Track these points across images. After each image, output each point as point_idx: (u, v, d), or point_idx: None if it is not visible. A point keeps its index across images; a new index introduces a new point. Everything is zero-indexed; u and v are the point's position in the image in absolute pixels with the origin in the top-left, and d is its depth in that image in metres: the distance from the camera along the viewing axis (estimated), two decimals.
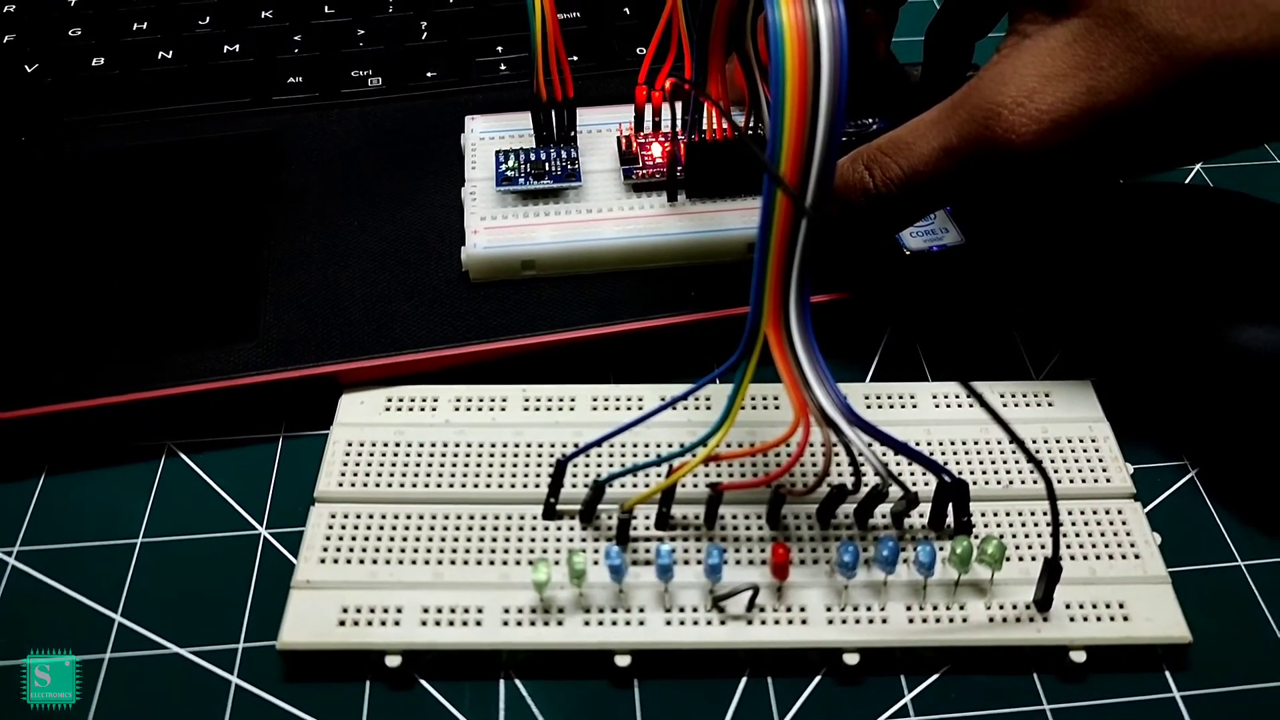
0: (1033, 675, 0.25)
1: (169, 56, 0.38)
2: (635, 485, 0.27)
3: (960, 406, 0.29)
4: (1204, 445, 0.30)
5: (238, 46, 0.38)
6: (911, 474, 0.27)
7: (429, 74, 0.38)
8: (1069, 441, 0.28)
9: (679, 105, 0.32)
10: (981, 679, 0.25)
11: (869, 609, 0.25)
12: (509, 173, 0.32)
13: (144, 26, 0.39)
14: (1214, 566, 0.27)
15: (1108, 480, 0.27)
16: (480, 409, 0.29)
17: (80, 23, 0.39)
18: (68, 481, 0.29)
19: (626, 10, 0.40)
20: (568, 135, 0.33)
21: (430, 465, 0.28)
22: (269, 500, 0.29)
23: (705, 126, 0.31)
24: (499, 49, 0.39)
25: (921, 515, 0.26)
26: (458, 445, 0.28)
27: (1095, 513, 0.27)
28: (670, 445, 0.28)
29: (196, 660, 0.26)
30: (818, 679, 0.25)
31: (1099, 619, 0.25)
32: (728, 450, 0.27)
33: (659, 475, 0.27)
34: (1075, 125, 0.24)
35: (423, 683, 0.25)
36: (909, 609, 0.25)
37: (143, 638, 0.26)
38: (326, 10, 0.40)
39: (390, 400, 0.29)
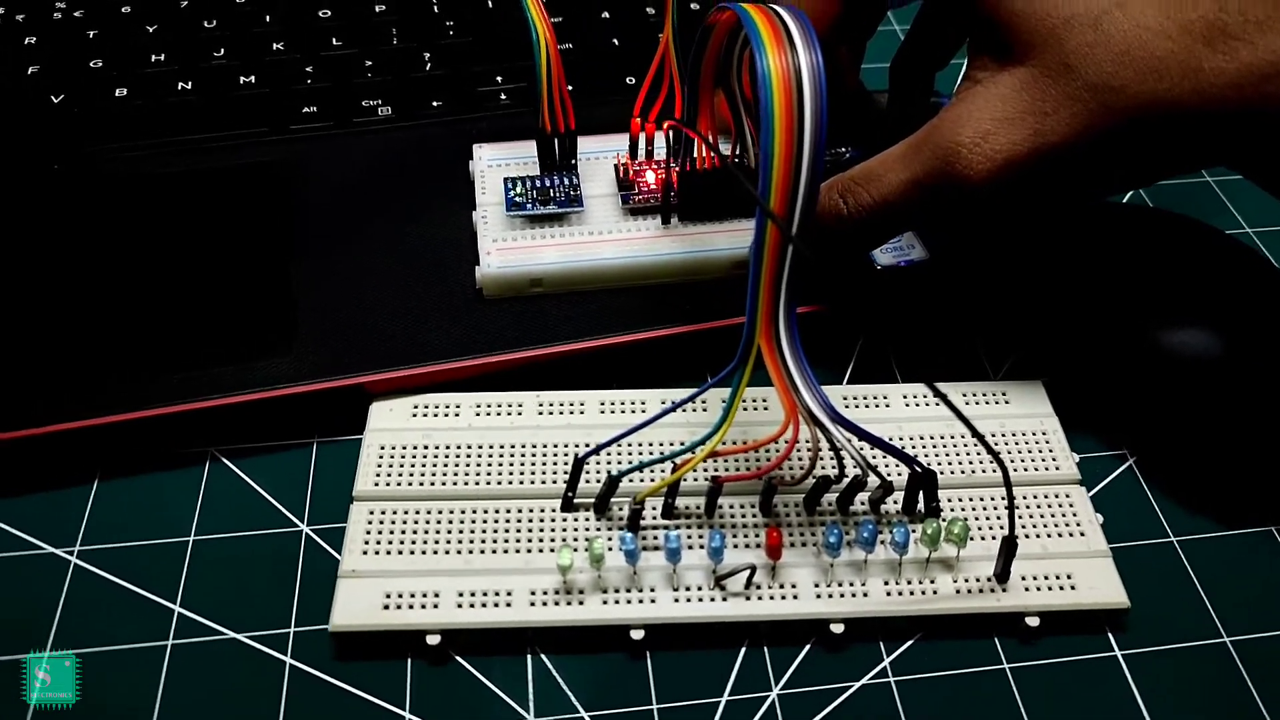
0: (994, 639, 0.28)
1: (188, 87, 0.41)
2: (644, 479, 0.30)
3: (928, 405, 0.32)
4: (1141, 436, 0.33)
5: (253, 78, 0.41)
6: (886, 465, 0.30)
7: (435, 103, 0.40)
8: (1023, 435, 0.32)
9: (671, 135, 0.35)
10: (950, 643, 0.28)
11: (851, 584, 0.28)
12: (517, 198, 0.35)
13: (162, 58, 0.42)
14: (1149, 542, 0.31)
15: (1057, 468, 0.31)
16: (499, 413, 0.32)
17: (101, 54, 0.42)
18: (120, 486, 0.31)
19: (615, 41, 0.43)
20: (569, 163, 0.36)
21: (457, 465, 0.30)
22: (308, 499, 0.31)
23: (695, 155, 0.34)
24: (499, 79, 0.41)
25: (896, 501, 0.30)
26: (480, 446, 0.31)
27: (1046, 497, 0.30)
28: (674, 444, 0.31)
29: (252, 644, 0.28)
30: (808, 647, 0.28)
31: (1050, 589, 0.28)
32: (726, 447, 0.30)
33: (664, 471, 0.30)
34: (1024, 163, 0.28)
35: (458, 659, 0.28)
36: (886, 583, 0.28)
37: (201, 625, 0.28)
38: (334, 42, 0.42)
39: (417, 407, 0.32)
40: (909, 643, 0.28)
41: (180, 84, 0.41)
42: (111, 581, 0.29)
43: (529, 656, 0.28)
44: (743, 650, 0.28)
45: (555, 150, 0.35)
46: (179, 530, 0.30)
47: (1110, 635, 0.29)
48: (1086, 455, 0.32)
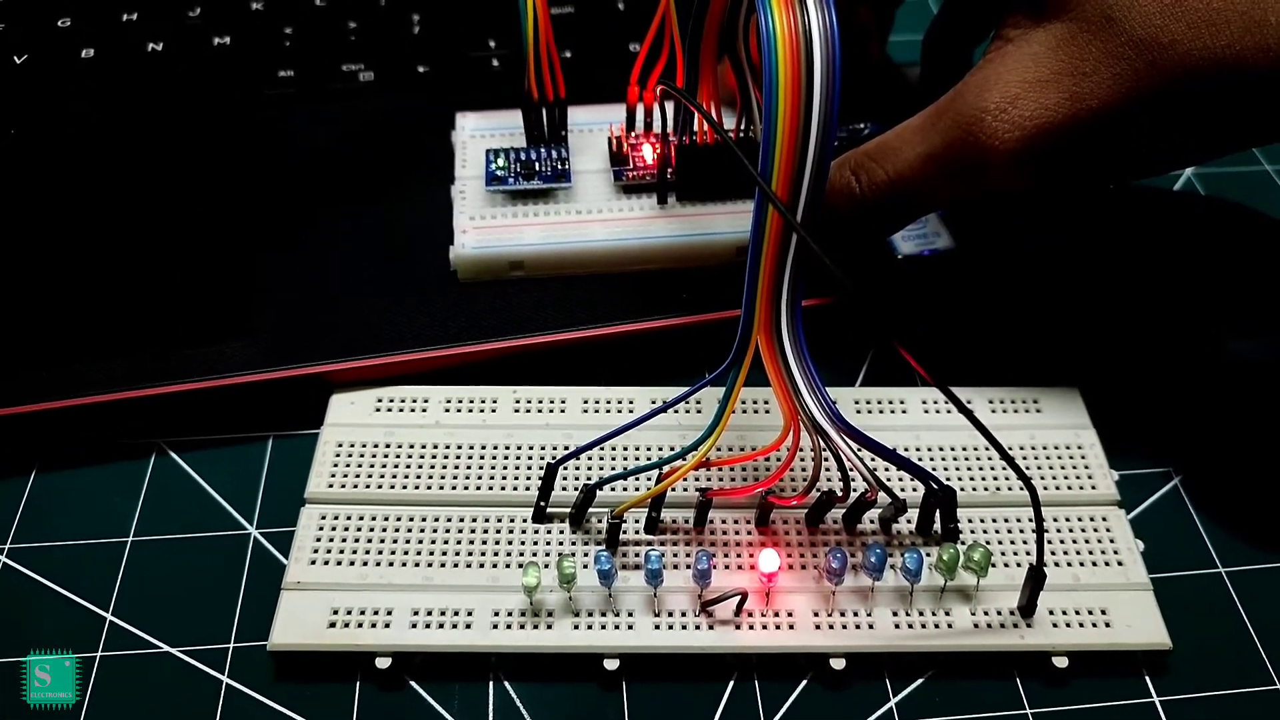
0: (1016, 680, 0.25)
1: (159, 48, 0.38)
2: (625, 489, 0.27)
3: (949, 412, 0.29)
4: (1189, 452, 0.30)
5: (228, 38, 0.38)
6: (900, 480, 0.27)
7: (420, 69, 0.37)
8: (1055, 448, 0.28)
9: (670, 106, 0.32)
10: (966, 684, 0.25)
11: (855, 614, 0.25)
12: (498, 172, 0.32)
13: (134, 18, 0.39)
14: (1194, 573, 0.28)
15: (1093, 487, 0.28)
16: (471, 410, 0.29)
17: (70, 13, 0.39)
18: (58, 480, 0.29)
19: (620, 6, 0.40)
20: (559, 135, 0.33)
21: (420, 467, 0.28)
22: (259, 500, 0.29)
23: (696, 128, 0.31)
24: (491, 44, 0.38)
25: (909, 521, 0.27)
26: (448, 447, 0.28)
27: (1080, 519, 0.27)
28: (660, 449, 0.28)
29: (187, 659, 0.26)
30: (803, 683, 0.25)
31: (1081, 625, 0.25)
32: (718, 457, 0.27)
33: (649, 480, 0.27)
34: (1058, 131, 0.24)
35: (413, 684, 0.25)
36: (895, 614, 0.25)
37: (134, 636, 0.26)
38: (317, 2, 0.40)
39: (381, 401, 0.29)
40: (919, 681, 0.25)
41: (151, 44, 0.38)
42: (42, 584, 0.27)
43: (490, 684, 0.25)
44: (730, 685, 0.25)
45: (544, 120, 0.32)
46: (118, 530, 0.28)
47: (1148, 679, 0.26)
48: (1126, 472, 0.29)
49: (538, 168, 0.32)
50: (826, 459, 0.25)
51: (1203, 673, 0.26)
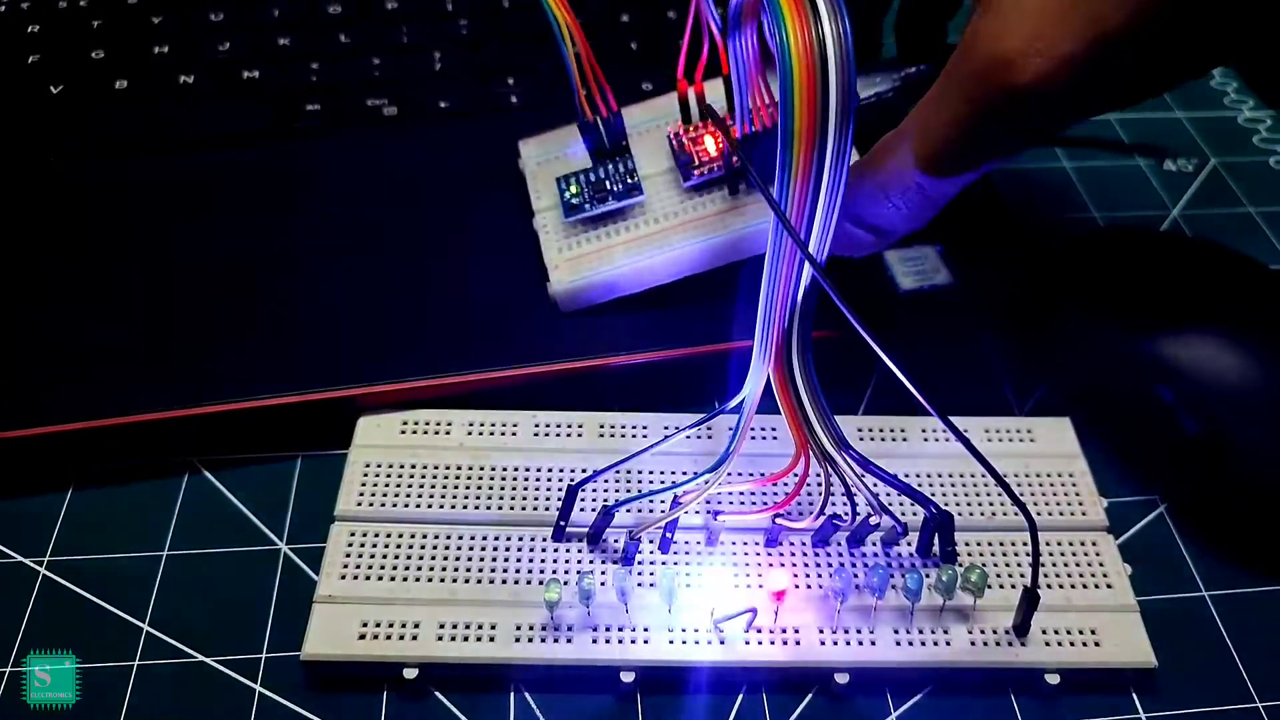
0: (1009, 695, 0.27)
1: (189, 80, 0.39)
2: (641, 511, 0.28)
3: (947, 441, 0.30)
4: (1172, 482, 0.31)
5: (257, 72, 0.39)
6: (900, 506, 0.28)
7: (442, 104, 0.39)
8: (1048, 476, 0.30)
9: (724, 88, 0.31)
10: (962, 699, 0.27)
11: (859, 631, 0.26)
12: (573, 200, 0.32)
13: (165, 50, 0.40)
14: (1179, 596, 0.29)
15: (1083, 514, 0.29)
16: (492, 433, 0.30)
17: (103, 45, 0.40)
18: (95, 495, 0.30)
19: (625, 18, 0.42)
20: (620, 146, 0.32)
21: (445, 487, 0.29)
22: (289, 516, 0.30)
23: (753, 106, 0.29)
24: (510, 80, 0.40)
25: (909, 544, 0.28)
26: (470, 468, 0.29)
27: (1071, 544, 0.28)
28: (673, 473, 0.29)
29: (221, 669, 0.27)
30: (809, 697, 0.26)
31: (1073, 644, 0.26)
32: (731, 481, 0.28)
33: (664, 502, 0.28)
34: (1086, 58, 0.23)
35: (437, 694, 0.26)
36: (896, 632, 0.26)
37: (170, 646, 0.27)
38: (342, 39, 0.41)
39: (406, 423, 0.30)
40: (918, 696, 0.27)
41: (182, 77, 0.39)
42: (81, 595, 0.28)
43: (512, 695, 0.26)
44: (739, 698, 0.26)
45: (603, 136, 0.32)
46: (153, 544, 0.29)
47: (1135, 696, 0.27)
48: (1114, 500, 0.30)
49: (609, 185, 0.32)
50: (833, 484, 0.26)
51: (1187, 692, 0.27)
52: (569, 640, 0.26)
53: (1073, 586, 0.28)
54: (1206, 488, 0.30)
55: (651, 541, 0.28)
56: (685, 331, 0.32)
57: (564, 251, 0.32)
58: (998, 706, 0.26)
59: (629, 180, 0.32)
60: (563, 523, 0.28)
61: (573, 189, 0.32)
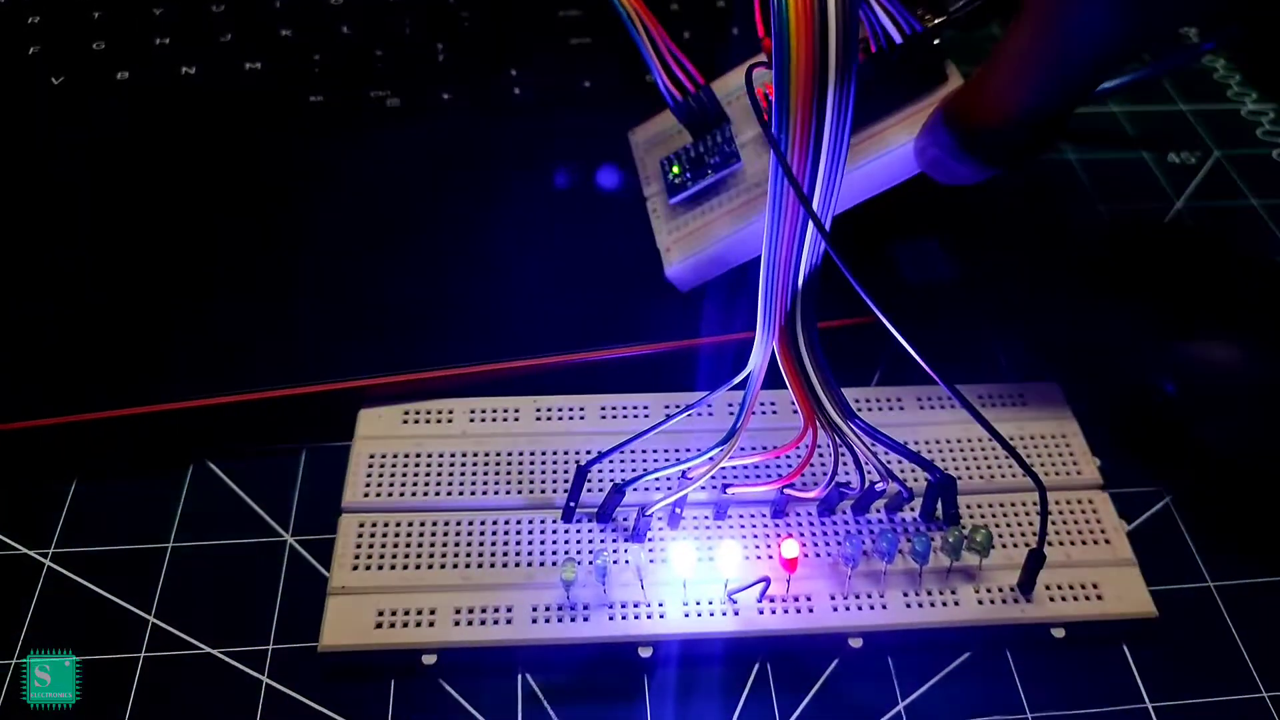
0: (1005, 653, 0.27)
1: (192, 71, 0.39)
2: (648, 489, 0.29)
3: (942, 408, 0.31)
4: (1178, 473, 0.31)
5: (259, 64, 0.39)
6: (903, 470, 0.29)
7: (444, 95, 0.38)
8: (1042, 438, 0.30)
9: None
10: (973, 657, 0.27)
11: (869, 596, 0.27)
12: (675, 180, 0.31)
13: (167, 42, 0.40)
14: (1185, 586, 0.29)
15: (1078, 473, 0.30)
16: (495, 420, 0.30)
17: (105, 36, 0.40)
18: (100, 487, 0.30)
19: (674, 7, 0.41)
20: (719, 116, 0.31)
21: (451, 474, 0.29)
22: (294, 508, 0.30)
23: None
24: (513, 72, 0.40)
25: (913, 509, 0.28)
26: (475, 455, 0.29)
27: (1069, 503, 0.29)
28: (679, 451, 0.30)
29: (229, 660, 0.27)
30: (834, 662, 0.27)
31: (1075, 598, 0.27)
32: (739, 456, 0.28)
33: (672, 480, 0.29)
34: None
35: (443, 683, 0.26)
36: (905, 595, 0.27)
37: (176, 638, 0.27)
38: (344, 30, 0.41)
39: (407, 414, 0.30)
40: (929, 656, 0.27)
41: (184, 68, 0.39)
42: (86, 587, 0.28)
43: (530, 675, 0.27)
44: (755, 667, 0.27)
45: (698, 111, 0.31)
46: (158, 536, 0.29)
47: (1147, 698, 0.27)
48: (1120, 490, 0.30)
49: (706, 159, 0.31)
50: (841, 453, 0.26)
51: (1193, 680, 0.27)
52: (585, 619, 0.26)
53: (1072, 543, 0.28)
54: (1209, 480, 0.30)
55: (661, 518, 0.28)
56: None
57: (673, 233, 0.31)
58: (1007, 662, 0.27)
59: (727, 149, 0.31)
60: (572, 503, 0.28)
61: (675, 169, 0.32)
